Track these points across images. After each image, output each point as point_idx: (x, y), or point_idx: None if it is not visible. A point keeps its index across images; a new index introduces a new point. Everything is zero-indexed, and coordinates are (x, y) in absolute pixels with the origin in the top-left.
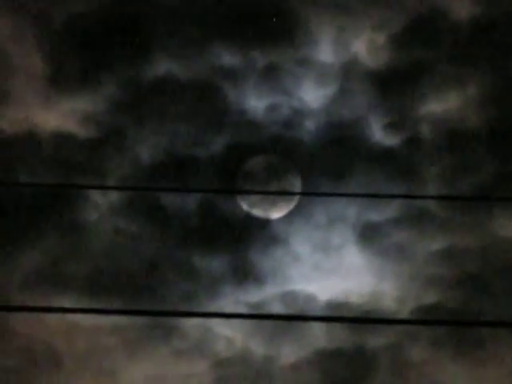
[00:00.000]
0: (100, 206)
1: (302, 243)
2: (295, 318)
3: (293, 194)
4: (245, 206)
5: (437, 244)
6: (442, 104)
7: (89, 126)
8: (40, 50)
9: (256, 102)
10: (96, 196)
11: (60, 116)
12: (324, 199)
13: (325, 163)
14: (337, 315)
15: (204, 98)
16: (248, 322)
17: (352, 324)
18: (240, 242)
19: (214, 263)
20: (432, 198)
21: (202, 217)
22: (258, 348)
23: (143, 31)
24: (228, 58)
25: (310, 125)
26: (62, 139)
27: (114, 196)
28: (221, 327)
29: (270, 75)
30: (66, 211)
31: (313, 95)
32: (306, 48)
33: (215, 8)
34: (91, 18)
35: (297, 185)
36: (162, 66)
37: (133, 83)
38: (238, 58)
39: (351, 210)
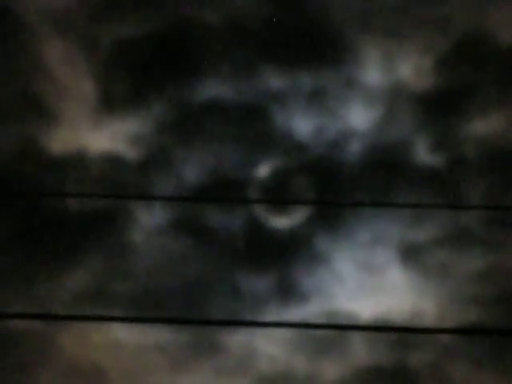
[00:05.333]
0: (146, 226)
1: (345, 262)
2: (338, 327)
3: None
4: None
5: (479, 263)
6: (487, 125)
7: (137, 147)
8: (90, 73)
9: (303, 125)
10: (142, 216)
11: (109, 137)
12: (367, 218)
13: (370, 184)
14: (380, 329)
15: (251, 120)
16: (291, 340)
17: (394, 341)
18: (284, 261)
19: (259, 282)
20: (477, 207)
21: (247, 236)
22: (300, 365)
23: (191, 54)
24: (275, 80)
25: (356, 147)
26: (110, 160)
27: (161, 216)
28: (264, 345)
29: (317, 98)
30: (113, 231)
31: (359, 117)
32: (353, 71)
33: (263, 31)
34: (140, 42)
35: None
36: (210, 89)
37: (181, 105)
38: (285, 80)
39: (394, 230)
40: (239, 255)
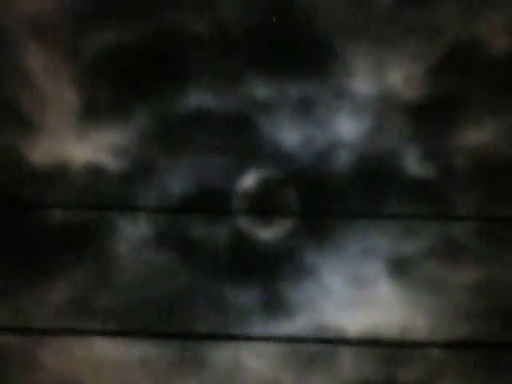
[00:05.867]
0: (130, 238)
1: (333, 275)
2: (326, 341)
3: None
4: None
5: (470, 276)
6: (478, 135)
7: (121, 158)
8: (73, 82)
9: (290, 135)
10: (126, 228)
11: (92, 148)
12: (356, 230)
13: (359, 195)
14: (369, 344)
15: (237, 130)
16: (278, 354)
17: (384, 356)
18: (270, 274)
19: (245, 295)
20: (468, 218)
21: (232, 249)
22: (287, 380)
23: (176, 64)
24: (262, 90)
25: (344, 157)
26: (93, 171)
27: (144, 228)
28: (250, 359)
29: (305, 107)
30: (96, 244)
31: (348, 127)
32: (342, 80)
33: (248, 40)
34: (125, 50)
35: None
36: (196, 99)
37: (166, 116)
38: (272, 90)
39: (383, 242)
40: (224, 268)
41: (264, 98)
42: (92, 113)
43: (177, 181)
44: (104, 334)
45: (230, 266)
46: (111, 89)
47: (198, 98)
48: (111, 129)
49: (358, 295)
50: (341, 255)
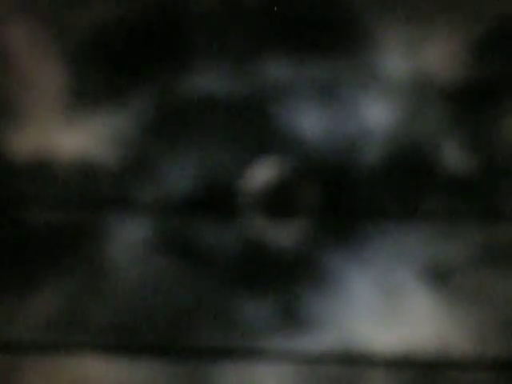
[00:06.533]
0: (126, 242)
1: (359, 284)
2: (351, 362)
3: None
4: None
5: None
6: None
7: (116, 150)
8: (60, 64)
9: (310, 123)
10: (122, 231)
11: (82, 139)
12: (386, 232)
13: (389, 192)
14: (401, 365)
15: (249, 118)
16: (295, 376)
17: (418, 379)
18: (287, 284)
19: (257, 308)
20: None
21: (243, 254)
22: None
23: (180, 41)
24: (277, 71)
25: (373, 149)
26: (83, 165)
27: (143, 231)
28: (264, 381)
29: (327, 91)
30: (88, 248)
31: (377, 115)
32: (371, 60)
33: (263, 14)
34: (120, 27)
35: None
36: (202, 82)
37: (167, 101)
38: (288, 72)
39: (418, 245)
40: (234, 276)
41: (280, 80)
42: (83, 98)
43: (180, 176)
44: (98, 351)
45: (241, 274)
46: (105, 70)
47: (204, 81)
48: (105, 116)
49: (389, 308)
50: (369, 261)
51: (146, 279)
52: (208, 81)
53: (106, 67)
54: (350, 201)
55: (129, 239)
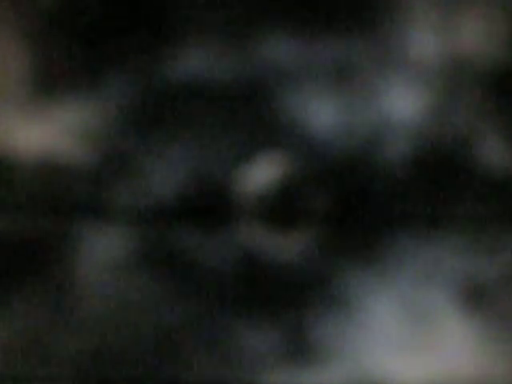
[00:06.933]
0: (100, 256)
1: (381, 306)
2: None
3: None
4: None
5: None
6: None
7: (89, 146)
8: (22, 42)
9: (321, 113)
10: (95, 243)
11: (48, 132)
12: (413, 243)
13: (417, 196)
14: None
15: (249, 107)
16: None
17: None
18: (294, 305)
19: (259, 335)
20: None
21: (240, 269)
22: None
23: (167, 15)
24: (283, 50)
25: (397, 144)
26: (50, 164)
27: (121, 243)
28: None
29: (343, 76)
30: (54, 264)
31: (403, 103)
32: (396, 38)
33: None
34: None
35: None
36: (193, 63)
37: (151, 86)
38: (297, 51)
39: (452, 260)
40: (230, 296)
41: (286, 62)
42: (49, 84)
43: (165, 177)
44: None
45: (238, 294)
46: (76, 51)
47: (196, 62)
48: (76, 106)
49: (416, 334)
50: (391, 279)
51: (123, 300)
52: (197, 63)
53: (76, 47)
54: (368, 207)
55: (103, 253)
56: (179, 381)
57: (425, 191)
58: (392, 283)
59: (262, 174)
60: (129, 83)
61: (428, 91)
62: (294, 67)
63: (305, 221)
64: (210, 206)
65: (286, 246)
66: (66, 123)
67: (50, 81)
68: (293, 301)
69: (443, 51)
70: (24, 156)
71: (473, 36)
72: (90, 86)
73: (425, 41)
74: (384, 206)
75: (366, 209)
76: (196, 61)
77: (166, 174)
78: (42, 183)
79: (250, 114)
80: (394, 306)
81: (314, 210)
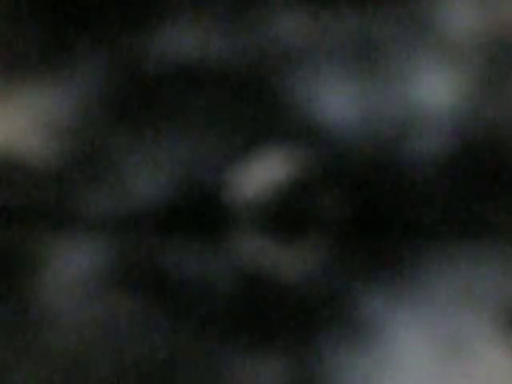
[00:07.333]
0: (68, 274)
1: (409, 336)
2: None
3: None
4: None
5: None
6: None
7: (54, 141)
8: None
9: (335, 102)
10: (62, 257)
11: (6, 124)
12: (448, 258)
13: (453, 199)
14: None
15: (248, 93)
16: None
17: None
18: (301, 333)
19: (260, 367)
20: None
21: (236, 291)
22: None
23: None
24: (289, 25)
25: (429, 136)
26: (7, 163)
27: (93, 257)
28: None
29: (361, 56)
30: (11, 283)
31: (437, 87)
32: (428, 10)
33: None
34: None
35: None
36: (179, 44)
37: (129, 69)
38: (305, 26)
39: (496, 279)
40: (226, 322)
41: (293, 39)
42: (8, 67)
43: (147, 179)
44: None
45: (236, 319)
46: (40, 28)
47: (186, 41)
48: (38, 93)
49: (452, 368)
50: (418, 300)
51: (99, 326)
52: (188, 41)
53: (43, 25)
54: (391, 214)
55: (74, 269)
56: None
57: (459, 195)
58: (419, 305)
59: (262, 174)
60: (104, 66)
61: (466, 74)
62: (302, 45)
63: (315, 231)
64: (201, 213)
65: (292, 262)
66: (27, 112)
67: (11, 62)
68: (300, 327)
69: (483, 27)
70: None
71: None
72: (57, 70)
73: (462, 14)
74: (410, 214)
75: (389, 217)
76: (188, 38)
77: (148, 174)
78: (0, 186)
79: (250, 101)
80: (421, 332)
81: (325, 218)
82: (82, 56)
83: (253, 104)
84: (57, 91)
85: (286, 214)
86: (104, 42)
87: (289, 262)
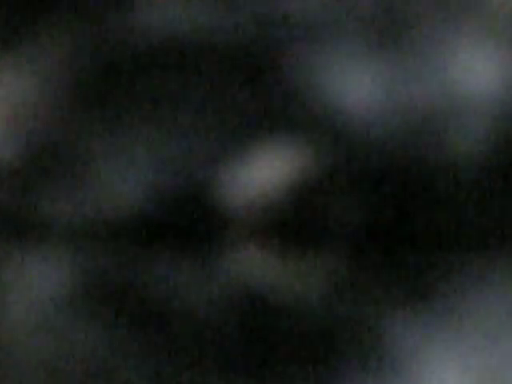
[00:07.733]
0: (34, 290)
1: (436, 363)
2: None
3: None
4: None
5: None
6: None
7: (14, 137)
8: None
9: (356, 87)
10: (27, 271)
11: None
12: (486, 278)
13: (496, 205)
14: None
15: (245, 78)
16: None
17: None
18: (312, 364)
19: None
20: None
21: (235, 313)
22: None
23: None
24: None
25: (471, 128)
26: None
27: (62, 274)
28: None
29: (387, 33)
30: None
31: (476, 72)
32: None
33: None
34: None
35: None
36: (165, 16)
37: (104, 47)
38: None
39: None
40: (221, 353)
41: (306, 15)
42: None
43: (124, 180)
44: None
45: (232, 349)
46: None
47: (171, 13)
48: None
49: None
50: (452, 324)
51: (64, 355)
52: (176, 14)
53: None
54: (420, 221)
55: (36, 287)
56: None
57: (503, 199)
58: (453, 330)
59: (263, 174)
60: (72, 41)
61: (510, 53)
62: (317, 22)
63: (328, 242)
64: (188, 220)
65: (300, 279)
66: None
67: None
68: (311, 357)
69: None
70: None
71: None
72: (16, 49)
73: None
74: (444, 221)
75: (417, 224)
76: (171, 12)
77: (125, 175)
78: None
79: (250, 86)
80: (455, 361)
81: (341, 225)
82: (48, 29)
83: (251, 90)
84: (15, 72)
85: (291, 222)
86: (74, 13)
87: (294, 279)
